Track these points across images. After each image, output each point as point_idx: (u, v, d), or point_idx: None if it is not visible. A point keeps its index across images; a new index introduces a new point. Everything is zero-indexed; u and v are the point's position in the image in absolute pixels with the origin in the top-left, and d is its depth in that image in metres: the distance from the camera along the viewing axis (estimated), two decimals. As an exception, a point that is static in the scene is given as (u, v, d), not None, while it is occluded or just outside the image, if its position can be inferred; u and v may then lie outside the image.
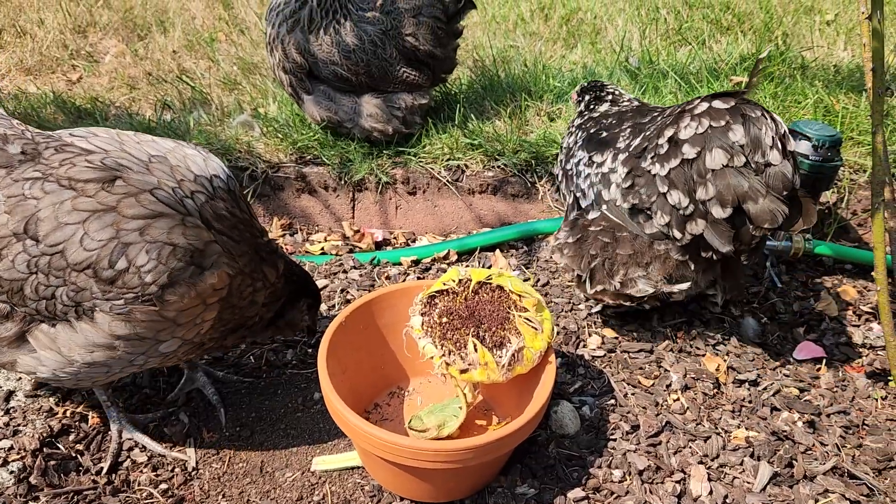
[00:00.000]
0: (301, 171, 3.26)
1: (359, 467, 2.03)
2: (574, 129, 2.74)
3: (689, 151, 1.96)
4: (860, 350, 2.53)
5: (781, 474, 1.97)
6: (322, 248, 3.17)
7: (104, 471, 1.99)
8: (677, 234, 2.10)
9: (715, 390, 2.28)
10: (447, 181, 3.22)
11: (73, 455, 2.04)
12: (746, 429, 2.12)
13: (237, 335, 1.99)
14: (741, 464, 2.00)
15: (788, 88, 3.55)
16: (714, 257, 2.10)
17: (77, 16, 5.00)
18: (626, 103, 2.76)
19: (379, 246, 3.23)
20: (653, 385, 2.29)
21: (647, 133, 2.23)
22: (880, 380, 2.38)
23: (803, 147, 2.63)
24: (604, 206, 2.34)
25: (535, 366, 1.87)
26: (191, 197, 1.76)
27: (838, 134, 2.63)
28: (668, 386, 2.29)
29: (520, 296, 1.92)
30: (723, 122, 1.91)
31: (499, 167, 3.24)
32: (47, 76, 4.33)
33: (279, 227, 3.29)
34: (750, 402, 2.24)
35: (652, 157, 2.11)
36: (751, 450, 2.04)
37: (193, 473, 2.03)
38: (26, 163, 1.70)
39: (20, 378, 2.28)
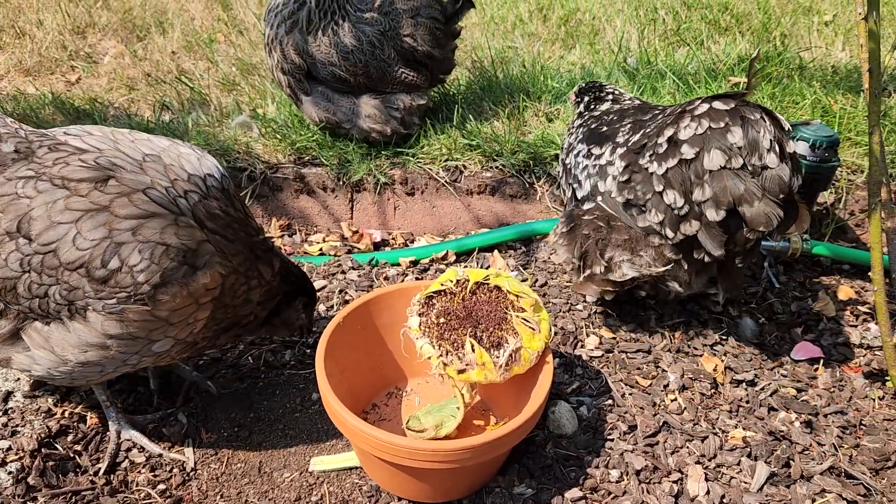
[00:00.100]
0: (299, 172, 3.26)
1: (357, 467, 2.03)
2: (574, 128, 2.75)
3: (687, 152, 1.96)
4: (858, 350, 2.53)
5: (778, 474, 1.97)
6: (320, 249, 3.18)
7: (102, 471, 2.00)
8: (670, 234, 2.12)
9: (712, 390, 2.29)
10: (445, 182, 3.23)
11: (72, 456, 2.05)
12: (744, 429, 2.13)
13: (231, 334, 1.99)
14: (738, 464, 2.01)
15: (786, 89, 3.55)
16: (706, 259, 2.10)
17: (76, 17, 5.00)
18: (627, 102, 2.77)
19: (377, 247, 3.24)
20: (650, 385, 2.30)
21: (648, 130, 2.24)
22: (878, 380, 2.38)
23: (801, 147, 2.64)
24: (599, 198, 2.36)
25: (532, 366, 1.87)
26: (184, 196, 1.76)
27: (836, 135, 2.64)
28: (666, 386, 2.29)
29: (517, 296, 1.92)
30: (722, 124, 1.92)
31: (497, 168, 3.25)
32: (46, 77, 4.33)
33: (278, 228, 3.29)
34: (747, 402, 2.25)
35: (650, 155, 2.12)
36: (748, 450, 2.04)
37: (192, 474, 2.03)
38: (19, 161, 1.71)
39: (18, 378, 2.28)
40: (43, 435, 2.05)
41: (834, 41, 4.42)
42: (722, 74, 3.73)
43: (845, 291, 2.84)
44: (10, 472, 1.93)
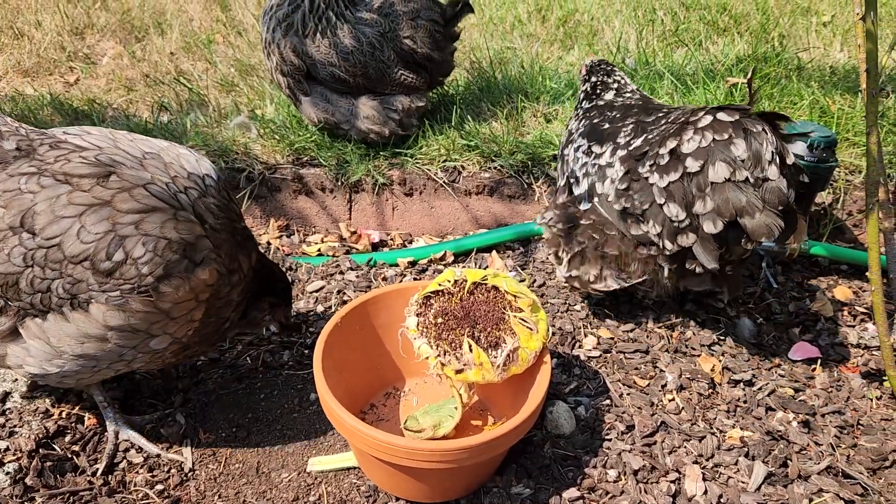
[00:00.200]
0: (298, 173, 3.26)
1: (355, 468, 2.03)
2: (581, 113, 2.74)
3: (692, 165, 1.97)
4: (855, 350, 2.54)
5: (776, 474, 1.97)
6: (319, 250, 3.18)
7: (100, 472, 2.00)
8: (668, 245, 2.14)
9: (710, 390, 2.29)
10: (444, 182, 3.23)
11: (70, 456, 2.05)
12: (741, 429, 2.13)
13: (210, 342, 2.02)
14: (736, 463, 2.01)
15: (784, 89, 3.56)
16: (697, 270, 2.12)
17: (75, 18, 5.00)
18: (629, 94, 2.73)
19: (375, 247, 3.24)
20: (648, 385, 2.30)
21: (650, 136, 2.24)
22: (875, 380, 2.38)
23: (799, 148, 2.64)
24: (595, 199, 2.36)
25: (530, 366, 1.87)
26: (184, 192, 1.80)
27: (833, 135, 2.64)
28: (664, 386, 2.29)
29: (515, 296, 1.93)
30: (726, 136, 1.93)
31: (495, 168, 3.25)
32: (45, 78, 4.33)
33: (276, 229, 3.29)
34: (745, 402, 2.25)
35: (651, 165, 2.12)
36: (745, 449, 2.04)
37: (190, 474, 2.03)
38: (21, 159, 1.73)
39: (16, 379, 2.28)
40: (41, 435, 2.05)
41: (832, 42, 4.43)
42: (720, 75, 3.74)
43: (843, 292, 2.84)
44: (7, 473, 1.93)
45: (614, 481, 1.95)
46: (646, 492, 1.92)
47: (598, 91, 2.79)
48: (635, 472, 1.97)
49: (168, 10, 5.18)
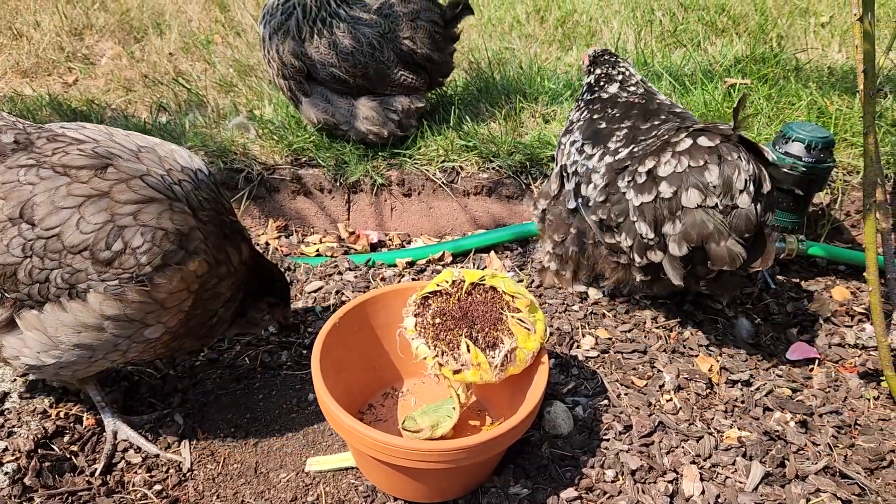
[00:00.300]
0: (296, 173, 3.27)
1: (353, 468, 2.03)
2: (582, 104, 2.73)
3: (665, 190, 2.02)
4: (853, 350, 2.54)
5: (773, 474, 1.98)
6: (317, 250, 3.18)
7: (98, 472, 2.00)
8: (637, 259, 2.20)
9: (708, 390, 2.29)
10: (442, 183, 3.23)
11: (68, 456, 2.05)
12: (739, 429, 2.13)
13: (197, 335, 2.02)
14: (733, 463, 2.01)
15: (783, 90, 3.56)
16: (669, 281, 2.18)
17: (73, 18, 5.00)
18: (633, 87, 2.67)
19: (374, 248, 3.24)
20: (646, 385, 2.30)
21: (636, 148, 2.27)
22: (872, 380, 2.39)
23: (796, 148, 2.65)
24: (580, 200, 2.42)
25: (527, 366, 1.88)
26: (178, 184, 1.83)
27: (831, 136, 2.65)
28: (661, 386, 2.30)
29: (513, 297, 1.93)
30: (701, 162, 1.97)
31: (493, 169, 3.25)
32: (43, 78, 4.33)
33: (274, 229, 3.29)
34: (742, 402, 2.25)
35: (629, 181, 2.16)
36: (743, 450, 2.05)
37: (188, 474, 2.04)
38: (19, 151, 1.76)
39: (15, 380, 2.28)
40: (39, 436, 2.06)
41: (830, 42, 4.44)
42: (718, 76, 3.74)
43: (841, 292, 2.85)
44: (6, 473, 1.93)
45: (612, 481, 1.96)
46: (643, 492, 1.92)
47: (602, 84, 2.74)
48: (633, 472, 1.97)
49: (167, 11, 5.18)
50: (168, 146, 1.95)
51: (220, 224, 1.91)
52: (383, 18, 3.17)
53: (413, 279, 2.90)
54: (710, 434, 2.10)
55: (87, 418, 2.17)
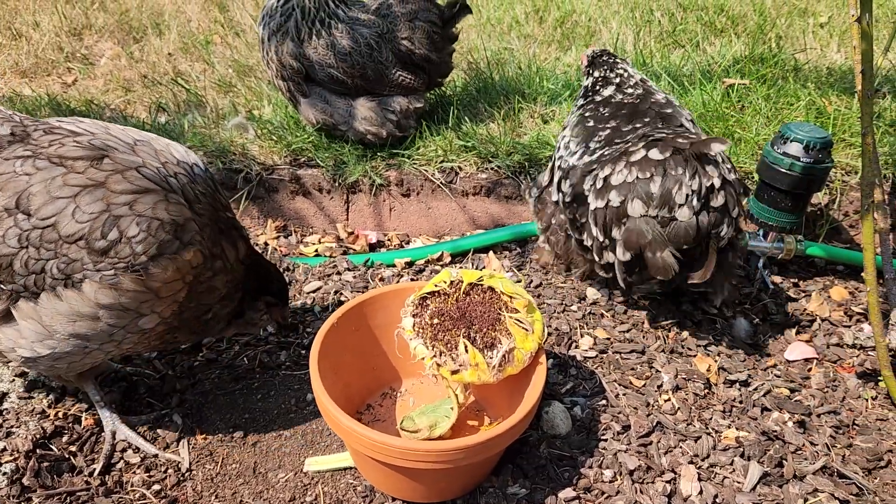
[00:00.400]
0: (295, 174, 3.27)
1: (351, 468, 2.04)
2: (581, 103, 2.74)
3: (614, 199, 2.13)
4: (851, 350, 2.54)
5: (771, 474, 1.98)
6: (316, 250, 3.18)
7: (97, 472, 2.00)
8: (597, 257, 2.32)
9: (706, 391, 2.30)
10: (441, 183, 3.24)
11: (67, 456, 2.05)
12: (737, 429, 2.13)
13: (191, 329, 2.02)
14: (731, 463, 2.01)
15: (781, 90, 3.57)
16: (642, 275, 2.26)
17: (73, 18, 5.00)
18: (630, 90, 2.65)
19: (373, 248, 3.24)
20: (644, 385, 2.31)
21: (606, 152, 2.32)
22: (871, 380, 2.39)
23: (794, 149, 2.65)
24: (560, 195, 2.49)
25: (526, 366, 1.88)
26: (174, 177, 1.85)
27: (829, 136, 2.65)
28: (660, 386, 2.30)
29: (511, 297, 1.93)
30: (648, 175, 2.06)
31: (492, 169, 3.26)
32: (42, 78, 4.33)
33: (273, 230, 3.30)
34: (741, 402, 2.25)
35: (591, 186, 2.26)
36: (741, 450, 2.05)
37: (186, 474, 2.04)
38: (16, 143, 1.78)
39: (13, 380, 2.28)
40: (38, 436, 2.06)
41: (829, 43, 4.44)
42: (717, 76, 3.74)
43: (839, 292, 2.85)
44: (4, 473, 1.93)
45: (610, 481, 1.96)
46: (641, 492, 1.93)
47: (598, 87, 2.73)
48: (631, 473, 1.98)
49: (166, 11, 5.18)
50: (164, 141, 1.96)
51: (215, 219, 1.92)
52: (381, 19, 3.18)
53: (412, 279, 2.90)
54: (709, 434, 2.10)
55: (86, 418, 2.17)
